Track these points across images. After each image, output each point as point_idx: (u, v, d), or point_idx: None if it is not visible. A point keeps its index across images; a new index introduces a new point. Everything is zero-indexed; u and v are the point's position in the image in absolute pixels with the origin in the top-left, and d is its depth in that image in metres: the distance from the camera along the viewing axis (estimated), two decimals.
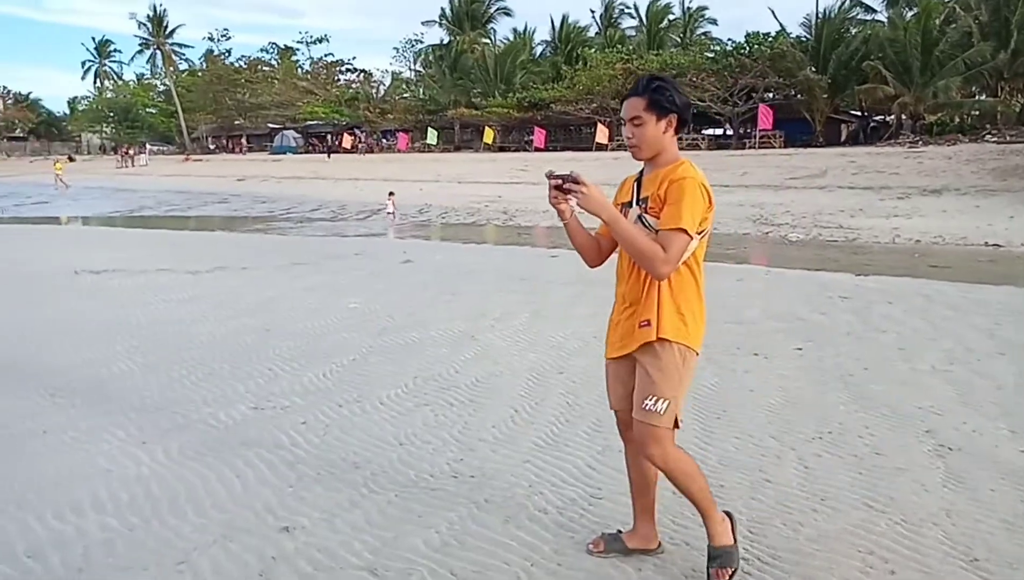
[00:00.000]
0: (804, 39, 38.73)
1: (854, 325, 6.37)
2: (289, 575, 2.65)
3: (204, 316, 6.96)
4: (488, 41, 58.28)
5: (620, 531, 2.84)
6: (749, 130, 39.13)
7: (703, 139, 40.78)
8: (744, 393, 4.60)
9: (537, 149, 43.73)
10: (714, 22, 52.94)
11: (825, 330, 6.21)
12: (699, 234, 2.38)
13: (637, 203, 2.48)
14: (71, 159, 66.51)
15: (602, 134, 40.36)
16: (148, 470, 3.55)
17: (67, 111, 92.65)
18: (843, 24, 38.32)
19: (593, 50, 47.54)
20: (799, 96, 38.10)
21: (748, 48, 37.52)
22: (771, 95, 39.34)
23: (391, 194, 19.97)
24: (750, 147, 36.05)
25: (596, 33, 54.82)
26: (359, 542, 2.88)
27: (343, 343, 5.91)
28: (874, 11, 39.10)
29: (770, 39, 37.54)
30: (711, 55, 41.70)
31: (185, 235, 16.30)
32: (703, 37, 50.93)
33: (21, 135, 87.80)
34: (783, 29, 39.18)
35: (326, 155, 46.89)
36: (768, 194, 20.46)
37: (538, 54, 56.99)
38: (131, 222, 19.80)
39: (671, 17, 51.29)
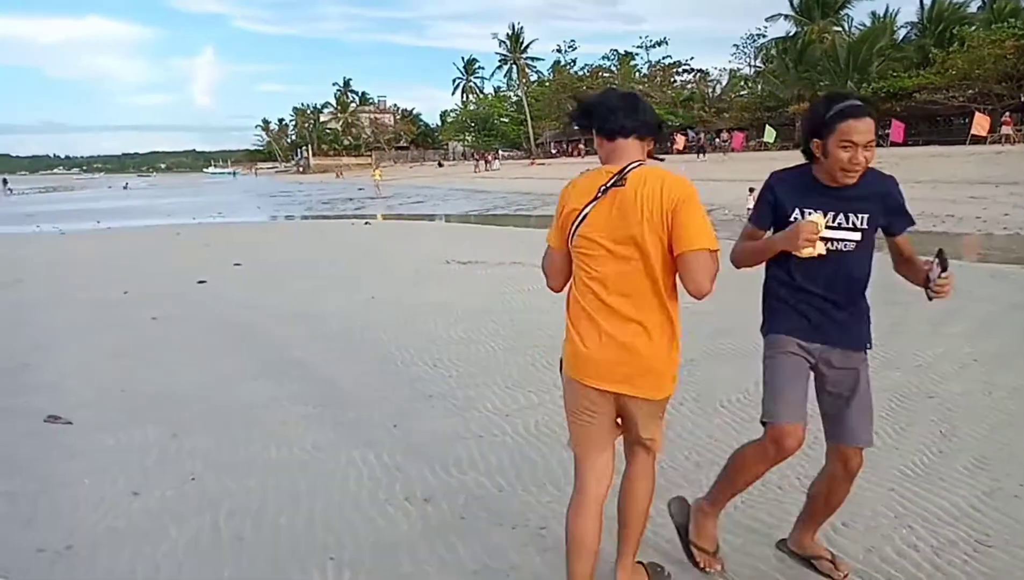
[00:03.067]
0: None
1: None
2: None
3: (551, 307, 7.50)
4: (840, 29, 53.43)
5: None
6: None
7: None
8: None
9: (894, 144, 38.89)
10: None
11: None
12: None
13: None
14: (440, 164, 77.16)
15: (980, 125, 34.40)
16: (511, 440, 4.00)
17: (439, 123, 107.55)
18: None
19: (974, 28, 40.76)
20: None
21: None
22: None
23: (751, 190, 19.47)
24: None
25: (979, 8, 46.88)
26: None
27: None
28: None
29: None
30: None
31: (531, 232, 17.80)
32: None
33: (404, 145, 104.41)
34: None
35: (696, 155, 46.67)
36: None
37: (900, 38, 50.68)
38: (486, 219, 22.28)
39: None
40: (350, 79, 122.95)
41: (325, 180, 67.83)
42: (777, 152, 45.25)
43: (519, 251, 12.19)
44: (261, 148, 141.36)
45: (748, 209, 21.48)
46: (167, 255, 13.29)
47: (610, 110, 2.26)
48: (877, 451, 3.70)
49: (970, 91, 37.39)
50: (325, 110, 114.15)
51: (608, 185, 2.20)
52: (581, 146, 69.60)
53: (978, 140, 33.80)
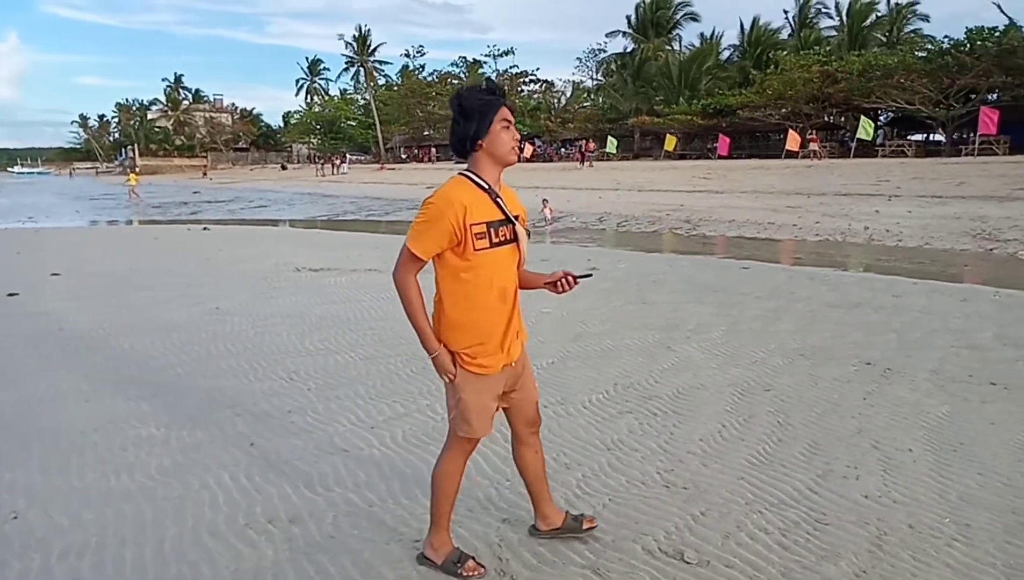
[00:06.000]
0: None
1: None
2: (517, 566, 2.78)
3: None
4: (672, 48, 57.33)
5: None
6: (966, 135, 35.30)
7: (909, 145, 37.36)
8: (983, 426, 4.16)
9: (721, 157, 42.33)
10: (926, 19, 48.09)
11: None
12: None
13: (515, 220, 2.52)
14: (283, 168, 74.08)
15: (793, 141, 38.25)
16: (379, 453, 3.88)
17: (281, 124, 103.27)
18: None
19: (786, 53, 45.22)
20: None
21: (969, 45, 33.83)
22: (995, 96, 35.21)
23: (545, 201, 20.14)
24: (967, 154, 32.47)
25: (789, 35, 52.10)
26: (579, 541, 2.95)
27: (540, 347, 6.06)
28: None
29: (997, 34, 33.59)
30: (923, 54, 38.14)
31: (386, 238, 17.52)
32: (913, 35, 46.70)
33: (244, 146, 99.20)
34: (1013, 22, 34.91)
35: (579, 163, 45.70)
36: (991, 206, 18.28)
37: (725, 59, 55.20)
38: (338, 225, 21.65)
39: (876, 15, 47.48)
40: (182, 75, 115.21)
41: (154, 181, 63.00)
42: (618, 161, 47.75)
43: (374, 258, 11.97)
44: (79, 146, 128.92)
45: (547, 219, 22.14)
46: None
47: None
48: (727, 442, 3.98)
49: (784, 110, 41.43)
50: (154, 107, 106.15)
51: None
52: (432, 151, 69.64)
53: (791, 154, 37.51)
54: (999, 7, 35.86)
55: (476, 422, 2.57)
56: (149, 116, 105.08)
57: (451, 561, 2.71)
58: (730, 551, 2.87)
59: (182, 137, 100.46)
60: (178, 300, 8.34)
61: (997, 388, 4.81)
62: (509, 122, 2.43)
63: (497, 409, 2.68)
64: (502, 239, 2.48)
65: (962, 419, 4.26)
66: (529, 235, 2.58)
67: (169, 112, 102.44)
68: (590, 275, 2.70)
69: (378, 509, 3.25)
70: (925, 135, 40.97)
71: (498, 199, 2.47)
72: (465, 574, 2.68)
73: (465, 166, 2.51)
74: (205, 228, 19.44)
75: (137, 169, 61.39)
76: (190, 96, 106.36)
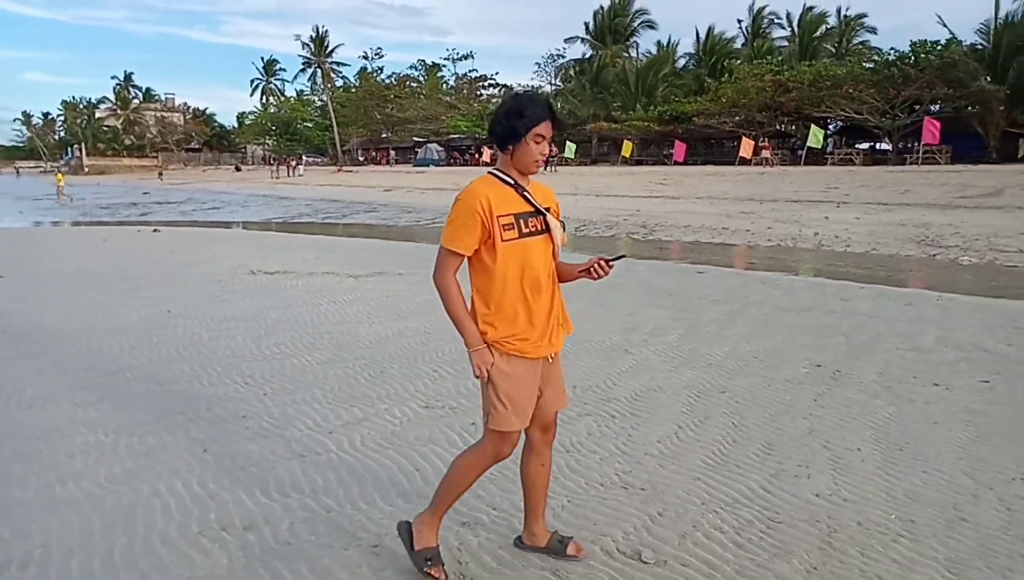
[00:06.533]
0: (980, 47, 35.68)
1: None
2: (477, 569, 2.78)
3: (369, 317, 7.39)
4: (630, 55, 58.07)
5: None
6: (911, 145, 36.53)
7: (857, 154, 38.47)
8: (927, 425, 4.31)
9: (677, 163, 43.00)
10: (873, 31, 49.72)
11: (1014, 362, 5.68)
12: None
13: (546, 212, 2.56)
14: (237, 169, 72.66)
15: (746, 148, 39.08)
16: (337, 458, 3.84)
17: (235, 124, 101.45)
18: None
19: (739, 62, 46.20)
20: (970, 109, 35.13)
21: (913, 57, 35.04)
22: (938, 107, 36.54)
23: None
24: (911, 163, 33.61)
25: (743, 45, 53.23)
26: None
27: None
28: None
29: (939, 47, 34.86)
30: (870, 65, 39.36)
31: (343, 241, 17.34)
32: (861, 47, 48.16)
33: (196, 147, 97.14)
34: (954, 37, 36.28)
35: (544, 167, 44.68)
36: (934, 213, 18.96)
37: (681, 67, 56.12)
38: (294, 228, 21.34)
39: (826, 26, 48.85)
40: (132, 73, 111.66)
41: (103, 181, 61.24)
42: (576, 167, 48.11)
43: (330, 261, 11.83)
44: (21, 144, 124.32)
45: None
46: None
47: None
48: (683, 444, 4.04)
49: (737, 117, 42.26)
50: (102, 106, 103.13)
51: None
52: (392, 153, 69.18)
53: (745, 161, 38.31)
54: (940, 19, 37.24)
55: (516, 411, 2.54)
56: (97, 115, 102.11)
57: (424, 556, 2.68)
58: (687, 550, 2.92)
59: (132, 137, 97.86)
60: (128, 302, 8.13)
61: (939, 389, 4.99)
62: (543, 137, 2.49)
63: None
64: (532, 230, 2.52)
65: (907, 419, 4.40)
66: (564, 227, 2.63)
67: (118, 111, 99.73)
68: (623, 256, 2.75)
69: (336, 514, 3.21)
70: (872, 144, 42.26)
71: (525, 192, 2.54)
72: (429, 572, 2.66)
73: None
74: (156, 230, 18.96)
75: (86, 168, 59.54)
76: (140, 95, 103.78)
